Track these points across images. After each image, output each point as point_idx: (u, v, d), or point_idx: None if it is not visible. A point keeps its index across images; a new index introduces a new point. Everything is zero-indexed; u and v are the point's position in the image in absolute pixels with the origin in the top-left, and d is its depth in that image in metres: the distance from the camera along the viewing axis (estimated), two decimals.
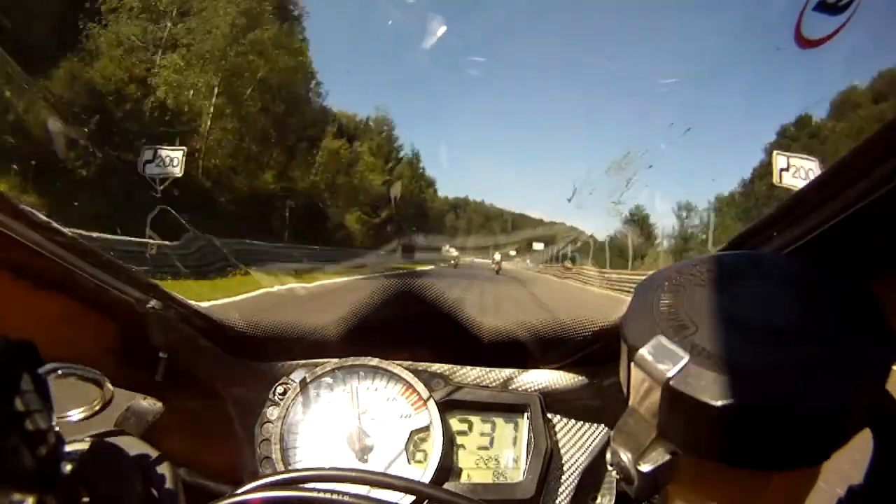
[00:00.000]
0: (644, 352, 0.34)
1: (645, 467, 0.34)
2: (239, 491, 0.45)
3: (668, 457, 0.33)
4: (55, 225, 0.53)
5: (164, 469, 0.51)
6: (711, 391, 0.30)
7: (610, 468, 0.37)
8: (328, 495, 0.45)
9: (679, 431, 0.33)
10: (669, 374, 0.32)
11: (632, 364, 0.35)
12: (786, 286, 0.36)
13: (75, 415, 0.46)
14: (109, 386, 0.47)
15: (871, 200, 0.41)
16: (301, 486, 0.48)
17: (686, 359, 0.32)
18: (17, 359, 0.38)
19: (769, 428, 0.29)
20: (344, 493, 0.46)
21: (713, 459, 0.32)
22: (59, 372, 0.42)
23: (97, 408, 0.46)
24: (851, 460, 0.40)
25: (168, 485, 0.50)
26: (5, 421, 0.34)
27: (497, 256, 28.46)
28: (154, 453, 0.53)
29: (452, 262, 28.28)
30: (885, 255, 0.43)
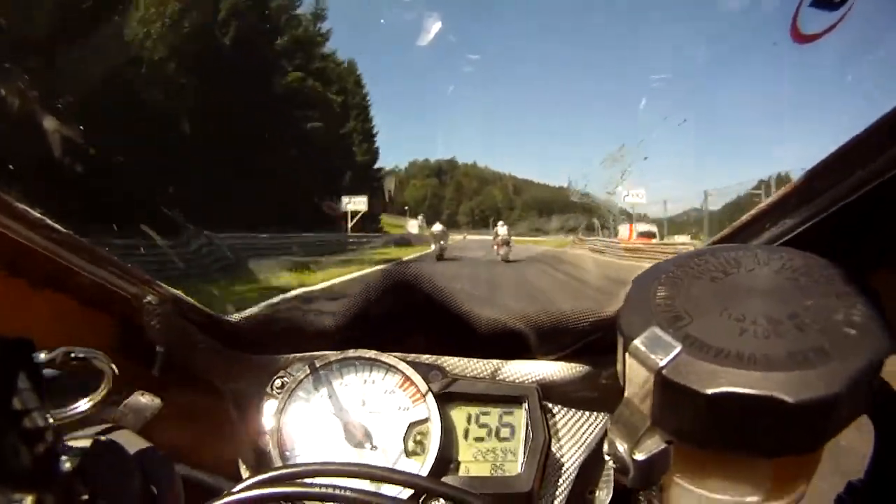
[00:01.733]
0: (638, 342, 0.34)
1: (640, 456, 0.34)
2: (236, 488, 0.45)
3: (662, 445, 0.34)
4: (49, 222, 0.53)
5: (163, 465, 0.51)
6: (702, 380, 0.30)
7: (607, 458, 0.37)
8: (327, 490, 0.46)
9: (672, 420, 0.33)
10: (662, 364, 0.32)
11: (626, 355, 0.35)
12: (781, 276, 0.36)
13: (83, 405, 0.45)
14: (113, 367, 0.47)
15: (866, 191, 0.41)
16: (299, 481, 0.48)
17: (678, 348, 0.32)
18: (14, 356, 0.38)
19: (760, 416, 0.29)
20: (343, 488, 0.46)
21: (706, 447, 0.32)
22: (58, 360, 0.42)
23: (99, 397, 0.46)
24: (851, 456, 0.41)
25: (167, 480, 0.50)
26: (3, 420, 0.35)
27: (502, 230, 16.94)
28: (153, 449, 0.53)
29: (435, 247, 17.49)
30: (882, 246, 0.44)
